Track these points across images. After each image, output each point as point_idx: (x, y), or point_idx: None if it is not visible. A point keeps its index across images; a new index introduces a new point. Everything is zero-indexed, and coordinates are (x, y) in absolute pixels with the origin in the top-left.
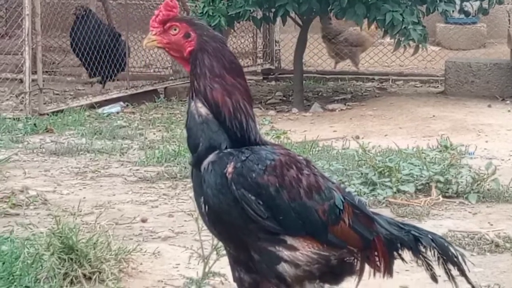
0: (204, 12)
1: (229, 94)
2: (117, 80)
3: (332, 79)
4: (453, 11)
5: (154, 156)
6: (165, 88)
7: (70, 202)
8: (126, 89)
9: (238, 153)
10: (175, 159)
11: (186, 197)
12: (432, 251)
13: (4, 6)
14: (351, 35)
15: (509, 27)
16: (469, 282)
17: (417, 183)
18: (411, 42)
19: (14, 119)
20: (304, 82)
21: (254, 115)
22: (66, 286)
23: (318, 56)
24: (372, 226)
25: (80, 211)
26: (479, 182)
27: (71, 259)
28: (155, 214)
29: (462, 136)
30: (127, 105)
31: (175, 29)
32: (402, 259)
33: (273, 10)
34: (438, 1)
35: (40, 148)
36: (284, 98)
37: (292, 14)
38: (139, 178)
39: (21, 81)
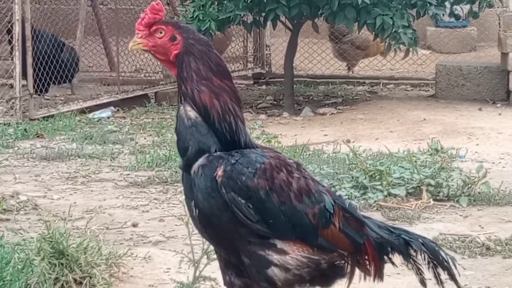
0: (194, 17)
1: (217, 96)
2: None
3: (323, 83)
4: (443, 14)
5: (145, 161)
6: (156, 92)
7: (60, 207)
8: (117, 94)
9: (228, 156)
10: (166, 163)
11: (177, 201)
12: (423, 255)
13: None
14: (358, 37)
15: (499, 30)
16: (458, 286)
17: (408, 186)
18: (401, 46)
19: (4, 124)
20: (294, 86)
21: (243, 117)
22: None
23: (308, 60)
24: (362, 230)
25: (71, 216)
26: (470, 185)
27: (62, 264)
28: (146, 219)
29: (452, 140)
30: (118, 110)
31: (161, 32)
32: (393, 263)
33: (263, 14)
34: (428, 4)
35: (31, 153)
36: (275, 102)
37: (283, 18)
38: (130, 182)
39: (11, 86)
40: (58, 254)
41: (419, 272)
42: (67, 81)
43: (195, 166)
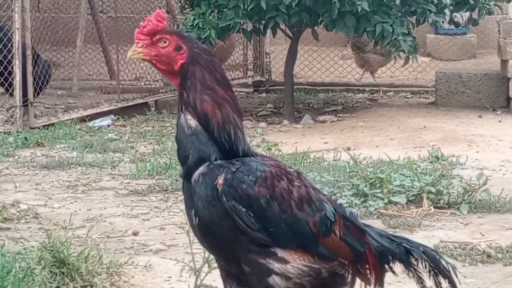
0: (194, 25)
1: (219, 106)
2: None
3: (323, 90)
4: (443, 22)
5: (145, 169)
6: (156, 101)
7: (61, 216)
8: (117, 102)
9: (229, 165)
10: (166, 172)
11: (177, 210)
12: (423, 264)
13: None
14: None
15: (499, 37)
16: None
17: (408, 194)
18: (401, 53)
19: (4, 133)
20: (294, 94)
21: (243, 127)
22: None
23: (308, 68)
24: (363, 238)
25: (72, 225)
26: (470, 193)
27: (63, 273)
28: (147, 227)
29: (453, 147)
30: (118, 118)
31: (164, 42)
32: (393, 271)
33: (263, 22)
34: (428, 12)
35: (31, 161)
36: (275, 110)
37: (282, 26)
38: (131, 191)
39: (11, 95)
40: (59, 263)
41: (420, 281)
42: (36, 95)
43: (195, 175)
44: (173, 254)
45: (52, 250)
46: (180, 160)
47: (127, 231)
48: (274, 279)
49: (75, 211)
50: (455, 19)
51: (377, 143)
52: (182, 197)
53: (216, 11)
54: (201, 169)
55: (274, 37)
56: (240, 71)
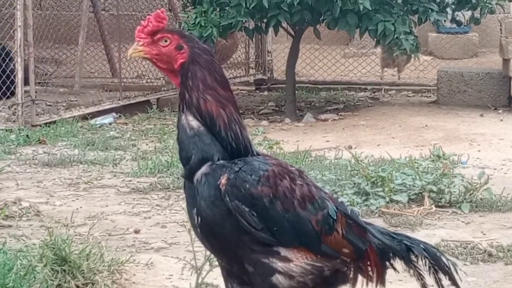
0: (196, 23)
1: (223, 106)
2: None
3: (325, 89)
4: (445, 20)
5: (147, 167)
6: (158, 98)
7: (63, 214)
8: (119, 100)
9: (231, 165)
10: (168, 169)
11: (179, 207)
12: (424, 261)
13: None
14: None
15: (501, 36)
16: None
17: (410, 192)
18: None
19: (6, 130)
20: (296, 92)
21: (245, 126)
22: None
23: (310, 66)
24: (365, 236)
25: (73, 223)
26: (471, 192)
27: (64, 270)
28: (148, 225)
29: (454, 146)
30: (120, 116)
31: (165, 41)
32: (394, 268)
33: (265, 20)
34: (430, 10)
35: (33, 159)
36: (277, 108)
37: (284, 25)
38: (132, 189)
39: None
40: (61, 261)
41: (420, 278)
42: (11, 96)
43: (198, 175)
44: (175, 252)
45: (53, 248)
46: (182, 160)
47: (129, 229)
48: (278, 278)
49: (77, 208)
50: (457, 18)
51: (378, 141)
52: (184, 195)
53: (218, 9)
54: (203, 169)
55: (276, 36)
56: (242, 69)
